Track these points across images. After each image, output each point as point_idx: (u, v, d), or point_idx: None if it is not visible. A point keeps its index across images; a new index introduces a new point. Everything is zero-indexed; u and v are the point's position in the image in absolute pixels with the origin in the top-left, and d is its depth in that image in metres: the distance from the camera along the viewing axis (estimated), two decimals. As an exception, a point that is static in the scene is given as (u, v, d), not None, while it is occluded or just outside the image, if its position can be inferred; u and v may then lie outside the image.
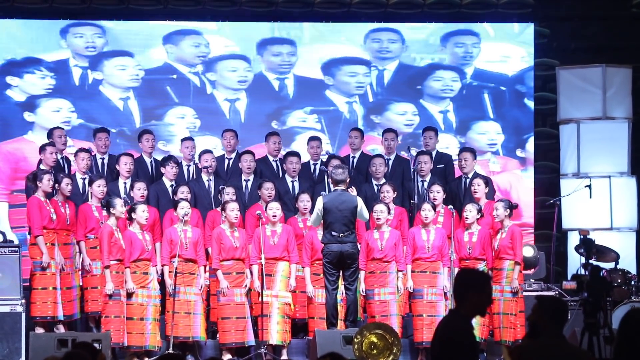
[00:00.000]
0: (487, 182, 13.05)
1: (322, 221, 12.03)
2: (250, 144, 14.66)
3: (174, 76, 15.51)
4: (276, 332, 12.03)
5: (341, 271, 11.96)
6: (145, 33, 15.54)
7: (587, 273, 9.55)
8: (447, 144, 15.23)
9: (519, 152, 15.73)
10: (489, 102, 15.81)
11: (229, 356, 12.05)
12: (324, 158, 13.92)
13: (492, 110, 15.83)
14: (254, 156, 13.63)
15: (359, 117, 15.67)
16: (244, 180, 13.47)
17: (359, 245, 12.13)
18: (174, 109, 15.50)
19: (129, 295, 11.86)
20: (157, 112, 15.49)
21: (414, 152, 13.90)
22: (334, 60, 15.78)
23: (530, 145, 15.70)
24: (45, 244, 12.07)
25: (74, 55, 15.30)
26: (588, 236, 11.87)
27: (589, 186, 14.58)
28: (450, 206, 12.67)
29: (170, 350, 11.63)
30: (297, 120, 15.66)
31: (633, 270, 14.00)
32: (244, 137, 14.82)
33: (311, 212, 12.46)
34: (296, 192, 13.13)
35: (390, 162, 13.92)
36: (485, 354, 12.19)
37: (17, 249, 12.24)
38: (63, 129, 13.89)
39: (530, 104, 15.80)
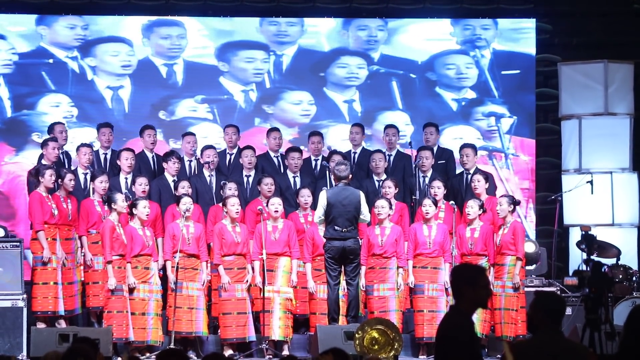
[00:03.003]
0: (487, 177, 13.04)
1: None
2: (135, 137, 13.68)
3: (50, 61, 14.40)
4: (278, 327, 12.03)
5: (343, 266, 11.97)
6: (16, 13, 14.35)
7: (588, 269, 9.54)
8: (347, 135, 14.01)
9: None
10: (397, 90, 14.89)
11: (230, 351, 12.05)
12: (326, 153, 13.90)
13: (400, 99, 14.93)
14: (254, 152, 13.61)
15: (255, 107, 14.71)
16: (245, 175, 13.46)
17: (360, 241, 12.14)
18: (46, 96, 14.42)
19: (131, 290, 11.87)
20: (28, 101, 14.40)
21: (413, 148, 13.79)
22: (230, 44, 14.67)
23: (444, 138, 14.70)
24: (47, 239, 12.08)
25: None
26: (589, 232, 11.86)
27: (591, 182, 14.58)
28: (452, 202, 12.67)
29: (172, 346, 11.65)
30: (186, 110, 14.64)
31: (634, 266, 14.00)
32: (127, 128, 14.02)
33: (312, 207, 12.46)
34: (298, 187, 13.12)
35: (392, 158, 13.91)
36: (486, 350, 12.19)
37: (18, 243, 12.26)
38: (64, 124, 13.78)
39: (443, 92, 14.98)
